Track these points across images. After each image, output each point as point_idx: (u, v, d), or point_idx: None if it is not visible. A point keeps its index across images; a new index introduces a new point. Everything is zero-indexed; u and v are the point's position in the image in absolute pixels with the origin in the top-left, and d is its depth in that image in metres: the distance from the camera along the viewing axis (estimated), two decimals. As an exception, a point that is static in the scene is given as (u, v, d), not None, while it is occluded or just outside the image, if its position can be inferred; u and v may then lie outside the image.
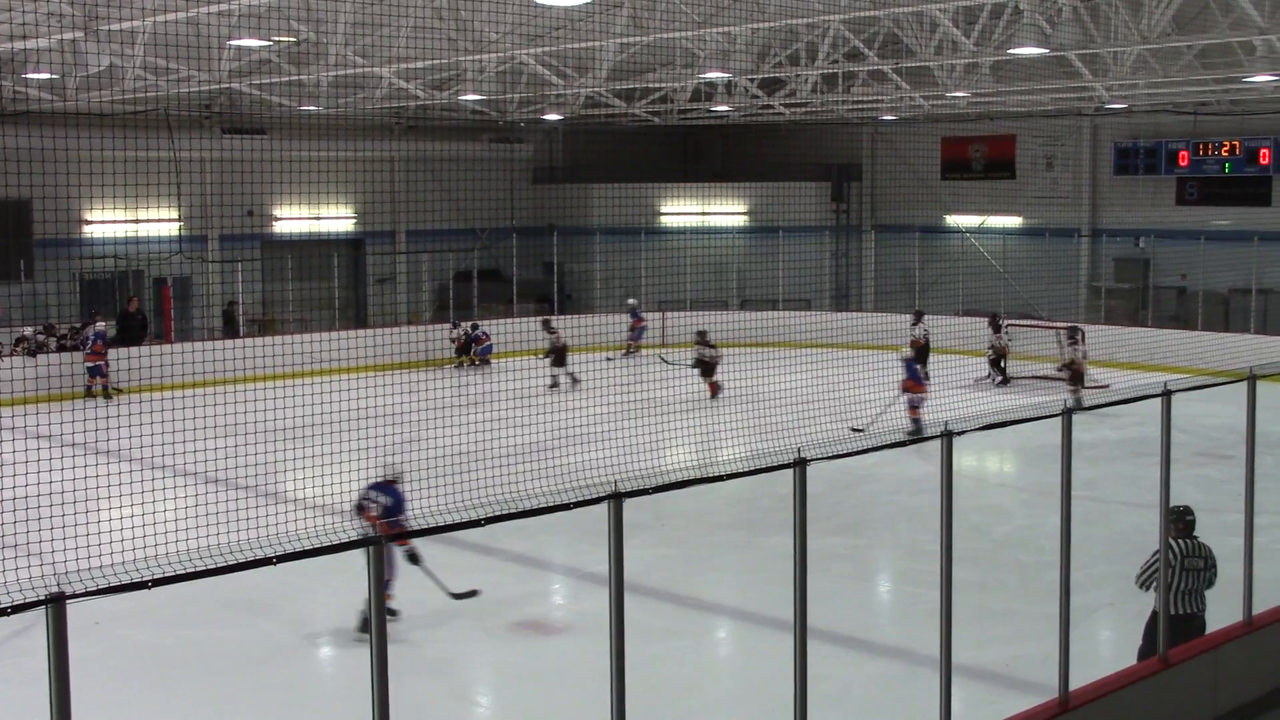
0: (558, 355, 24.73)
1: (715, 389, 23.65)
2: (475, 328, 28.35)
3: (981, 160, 33.38)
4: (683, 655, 10.82)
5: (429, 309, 31.86)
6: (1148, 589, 8.91)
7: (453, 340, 28.18)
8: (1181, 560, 8.81)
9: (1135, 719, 8.32)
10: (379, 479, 11.45)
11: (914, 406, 19.77)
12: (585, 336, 27.26)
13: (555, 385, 24.43)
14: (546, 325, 25.42)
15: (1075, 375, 22.40)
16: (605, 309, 31.70)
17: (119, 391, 23.78)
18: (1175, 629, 8.70)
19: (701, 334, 24.25)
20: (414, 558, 10.88)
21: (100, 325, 24.94)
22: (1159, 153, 29.65)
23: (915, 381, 19.92)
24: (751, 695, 10.05)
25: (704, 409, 21.37)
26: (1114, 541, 13.35)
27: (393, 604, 11.23)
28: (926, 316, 26.81)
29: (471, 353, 28.00)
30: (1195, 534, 9.05)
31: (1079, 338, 22.85)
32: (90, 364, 23.99)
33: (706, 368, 23.81)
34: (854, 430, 18.39)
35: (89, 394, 23.68)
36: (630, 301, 30.13)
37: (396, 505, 11.13)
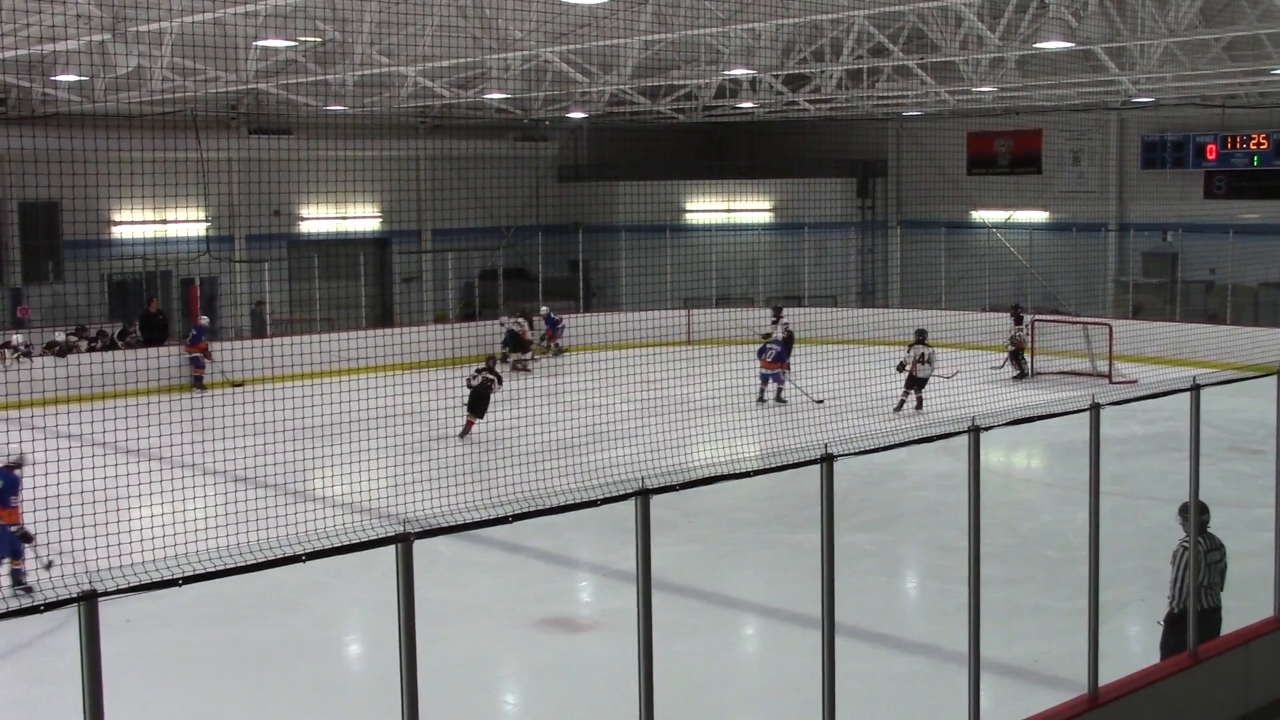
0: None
1: (468, 425, 19.95)
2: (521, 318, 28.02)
3: (1007, 155, 33.24)
4: (710, 652, 10.82)
5: (455, 308, 31.91)
6: (1178, 593, 8.80)
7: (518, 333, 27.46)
8: (1205, 555, 8.76)
9: (1165, 715, 8.29)
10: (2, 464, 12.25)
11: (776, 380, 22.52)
12: (608, 335, 27.24)
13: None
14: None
15: (912, 380, 22.17)
16: (631, 306, 31.67)
17: (236, 384, 24.24)
18: (1201, 623, 8.65)
19: (490, 358, 21.86)
20: (26, 537, 11.76)
21: (204, 319, 25.86)
22: (1187, 146, 29.47)
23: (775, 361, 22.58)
24: (778, 691, 10.05)
25: (726, 407, 21.30)
26: (1143, 537, 13.28)
27: (29, 580, 12.02)
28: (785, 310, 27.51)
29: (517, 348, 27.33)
30: (1209, 530, 8.99)
31: (921, 347, 22.48)
32: (192, 355, 24.83)
33: (477, 394, 20.08)
34: (816, 402, 21.49)
35: (196, 385, 24.55)
36: (544, 310, 29.48)
37: (8, 488, 12.10)
